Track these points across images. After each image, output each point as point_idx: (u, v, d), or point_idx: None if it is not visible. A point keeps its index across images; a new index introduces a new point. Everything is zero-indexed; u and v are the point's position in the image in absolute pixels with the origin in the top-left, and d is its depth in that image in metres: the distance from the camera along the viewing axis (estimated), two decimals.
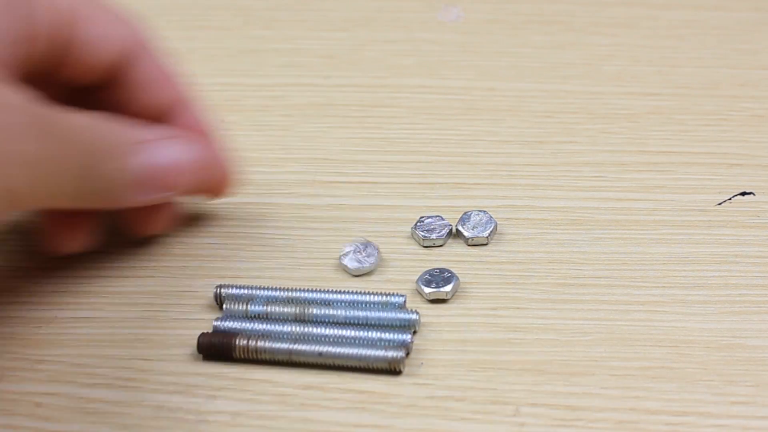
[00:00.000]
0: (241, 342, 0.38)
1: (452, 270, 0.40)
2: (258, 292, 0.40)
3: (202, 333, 0.38)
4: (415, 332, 0.39)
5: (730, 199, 0.45)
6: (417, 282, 0.40)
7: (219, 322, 0.39)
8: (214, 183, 0.41)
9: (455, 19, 0.57)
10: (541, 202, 0.45)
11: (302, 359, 0.37)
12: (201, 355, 0.38)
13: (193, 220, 0.44)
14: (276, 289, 0.40)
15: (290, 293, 0.40)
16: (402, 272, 0.42)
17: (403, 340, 0.38)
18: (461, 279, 0.41)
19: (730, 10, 0.57)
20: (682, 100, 0.51)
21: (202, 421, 0.36)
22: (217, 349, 0.38)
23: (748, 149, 0.47)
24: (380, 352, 0.37)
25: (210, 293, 0.40)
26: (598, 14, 0.57)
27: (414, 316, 0.39)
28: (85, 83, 0.39)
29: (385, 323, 0.39)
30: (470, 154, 0.48)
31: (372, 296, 0.39)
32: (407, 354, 0.38)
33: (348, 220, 0.44)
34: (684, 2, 0.58)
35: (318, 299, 0.40)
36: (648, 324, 0.39)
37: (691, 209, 0.44)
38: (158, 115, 0.40)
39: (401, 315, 0.39)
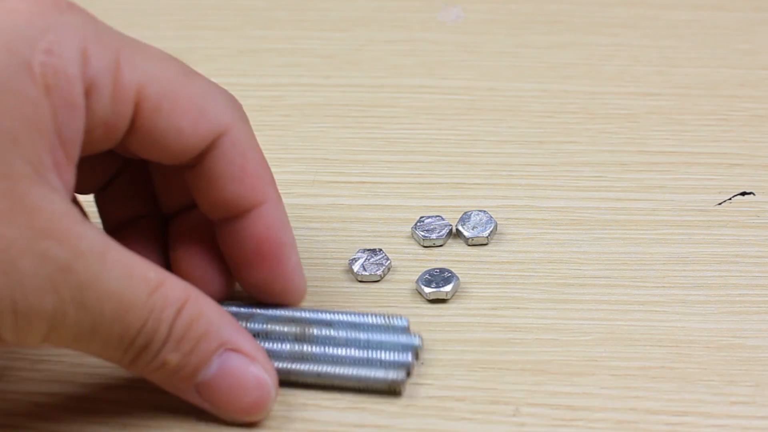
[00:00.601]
0: None
1: (452, 270, 0.40)
2: (259, 310, 0.38)
3: None
4: (417, 356, 0.38)
5: (730, 199, 0.45)
6: (417, 282, 0.40)
7: None
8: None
9: (455, 19, 0.57)
10: (541, 202, 0.45)
11: (300, 380, 0.37)
12: None
13: None
14: (277, 308, 0.38)
15: (291, 312, 0.38)
16: (402, 272, 0.42)
17: (405, 361, 0.37)
18: (461, 279, 0.41)
19: (730, 10, 0.57)
20: (682, 100, 0.51)
21: (202, 420, 0.36)
22: None
23: (748, 149, 0.48)
24: (380, 373, 0.36)
25: None
26: (598, 14, 0.57)
27: (416, 341, 0.37)
28: (165, 163, 0.37)
29: (387, 347, 0.37)
30: (470, 154, 0.48)
31: (374, 318, 0.38)
32: (408, 375, 0.37)
33: (348, 220, 0.44)
34: (684, 2, 0.58)
35: (319, 320, 0.38)
36: (648, 324, 0.39)
37: (691, 209, 0.44)
38: (232, 212, 0.37)
39: (403, 339, 0.37)
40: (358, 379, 0.36)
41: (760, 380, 0.37)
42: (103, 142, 0.35)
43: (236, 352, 0.35)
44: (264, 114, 0.51)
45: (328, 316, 0.38)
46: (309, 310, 0.38)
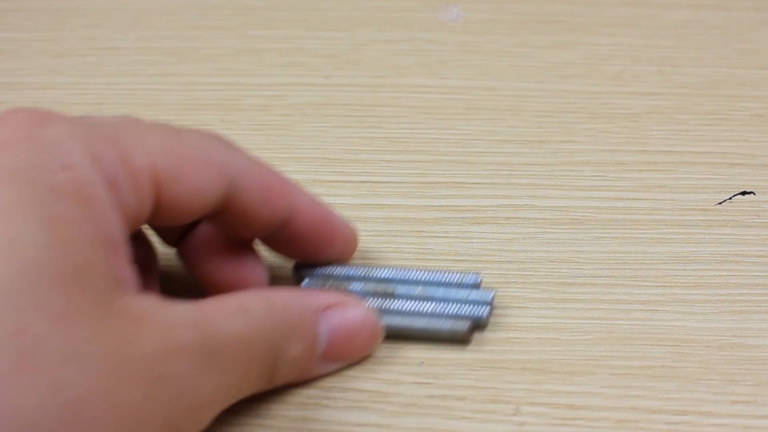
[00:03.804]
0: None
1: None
2: (335, 270, 0.40)
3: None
4: (490, 311, 0.39)
5: (730, 198, 0.45)
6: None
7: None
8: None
9: (455, 19, 0.57)
10: (542, 202, 0.45)
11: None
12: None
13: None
14: (352, 267, 0.40)
15: (368, 270, 0.40)
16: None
17: (476, 315, 0.39)
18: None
19: (730, 10, 0.57)
20: (682, 100, 0.51)
21: None
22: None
23: (748, 149, 0.48)
24: (447, 325, 0.38)
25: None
26: (598, 14, 0.57)
27: (489, 296, 0.39)
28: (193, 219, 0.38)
29: (461, 302, 0.39)
30: (470, 154, 0.48)
31: (447, 275, 0.40)
32: (481, 327, 0.39)
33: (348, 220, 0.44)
34: (684, 2, 0.58)
35: (396, 278, 0.40)
36: (648, 323, 0.39)
37: (692, 209, 0.44)
38: (273, 227, 0.38)
39: (475, 295, 0.39)
40: (427, 331, 0.38)
41: (761, 379, 0.37)
42: (135, 225, 0.35)
43: (329, 309, 0.37)
44: (264, 114, 0.51)
45: (404, 274, 0.40)
46: (386, 269, 0.40)
